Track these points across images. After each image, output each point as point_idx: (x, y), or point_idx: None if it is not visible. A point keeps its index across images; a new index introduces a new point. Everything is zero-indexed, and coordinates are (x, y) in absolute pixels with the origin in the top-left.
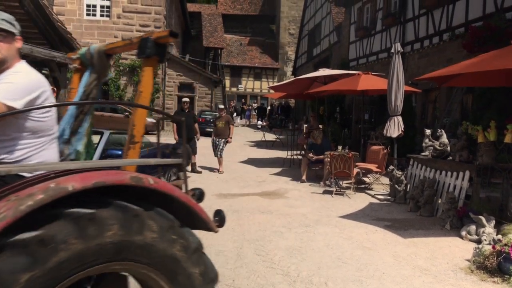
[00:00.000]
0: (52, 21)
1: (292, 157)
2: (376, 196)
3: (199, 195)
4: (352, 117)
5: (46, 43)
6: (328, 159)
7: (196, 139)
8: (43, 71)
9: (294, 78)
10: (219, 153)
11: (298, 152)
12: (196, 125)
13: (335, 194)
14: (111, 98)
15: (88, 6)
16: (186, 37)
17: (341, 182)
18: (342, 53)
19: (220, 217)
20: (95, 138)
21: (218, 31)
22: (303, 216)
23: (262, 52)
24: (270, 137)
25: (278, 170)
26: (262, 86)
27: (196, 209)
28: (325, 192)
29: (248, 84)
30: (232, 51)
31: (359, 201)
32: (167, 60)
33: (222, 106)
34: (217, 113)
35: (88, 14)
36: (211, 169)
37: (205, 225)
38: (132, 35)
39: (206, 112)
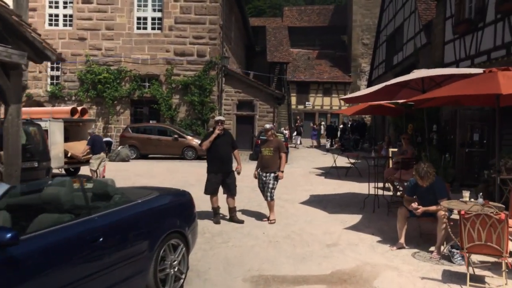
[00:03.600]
0: None
1: (376, 194)
2: None
3: None
4: (454, 138)
5: None
6: (444, 213)
7: (236, 173)
8: None
9: (382, 85)
10: (268, 194)
11: (383, 184)
12: (236, 153)
13: (471, 286)
14: (162, 119)
15: (138, 19)
16: (250, 53)
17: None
18: (435, 57)
19: None
20: None
21: (284, 44)
22: None
23: (332, 66)
24: (342, 161)
25: (356, 218)
26: (332, 102)
27: None
28: (446, 275)
29: (316, 101)
30: (299, 66)
31: None
32: (224, 76)
33: (269, 126)
34: (264, 135)
35: (138, 28)
36: (259, 216)
37: None
38: (185, 48)
39: None
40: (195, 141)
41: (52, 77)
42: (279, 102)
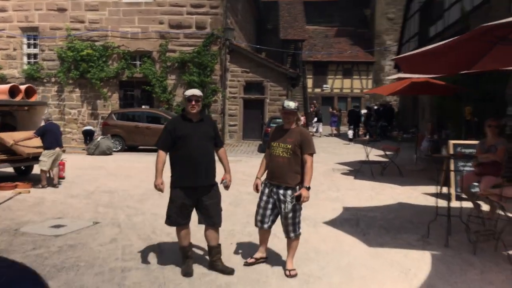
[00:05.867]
0: None
1: (448, 216)
2: None
3: None
4: None
5: None
6: None
7: (223, 186)
8: None
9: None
10: (290, 228)
11: (439, 189)
12: (222, 153)
13: None
14: (157, 103)
15: None
16: (260, 31)
17: None
18: (495, 19)
19: None
20: None
21: (299, 21)
22: None
23: (352, 44)
24: (372, 154)
25: (423, 262)
26: (353, 85)
27: None
28: None
29: (335, 83)
30: (315, 45)
31: None
32: (229, 53)
33: (292, 104)
34: (279, 120)
35: None
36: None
37: None
38: (181, 19)
39: (278, 120)
40: None
41: (28, 56)
42: (294, 84)
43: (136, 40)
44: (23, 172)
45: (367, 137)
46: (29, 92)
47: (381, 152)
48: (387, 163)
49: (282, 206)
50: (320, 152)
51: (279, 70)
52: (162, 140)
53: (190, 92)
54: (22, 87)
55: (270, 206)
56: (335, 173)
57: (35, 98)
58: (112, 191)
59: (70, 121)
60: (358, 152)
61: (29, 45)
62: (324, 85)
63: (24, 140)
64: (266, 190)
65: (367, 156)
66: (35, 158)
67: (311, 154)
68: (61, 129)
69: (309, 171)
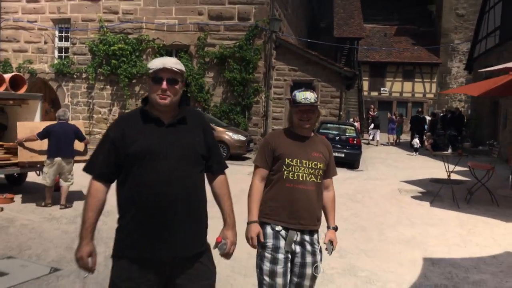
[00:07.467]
0: None
1: None
2: None
3: None
4: None
5: None
6: None
7: (219, 250)
8: None
9: None
10: None
11: None
12: (221, 185)
13: None
14: (193, 103)
15: None
16: (313, 29)
17: None
18: None
19: None
20: None
21: (355, 17)
22: None
23: (414, 44)
24: (438, 170)
25: None
26: (414, 88)
27: None
28: None
29: (394, 86)
30: (373, 44)
31: None
32: (275, 48)
33: (312, 97)
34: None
35: None
36: None
37: None
38: (222, 10)
39: (329, 125)
40: (228, 134)
41: (60, 49)
42: (349, 85)
43: (173, 33)
44: (15, 180)
45: (450, 150)
46: (17, 83)
47: (460, 168)
48: (474, 186)
49: (310, 259)
50: (379, 165)
51: (332, 68)
52: (99, 160)
53: (160, 62)
54: (7, 77)
55: (288, 267)
56: (403, 196)
57: (24, 90)
58: (110, 212)
59: (100, 121)
60: (425, 166)
61: (61, 38)
62: (382, 88)
63: (27, 141)
64: (282, 243)
65: (449, 175)
66: (34, 167)
67: (331, 177)
68: (87, 128)
69: (334, 203)
